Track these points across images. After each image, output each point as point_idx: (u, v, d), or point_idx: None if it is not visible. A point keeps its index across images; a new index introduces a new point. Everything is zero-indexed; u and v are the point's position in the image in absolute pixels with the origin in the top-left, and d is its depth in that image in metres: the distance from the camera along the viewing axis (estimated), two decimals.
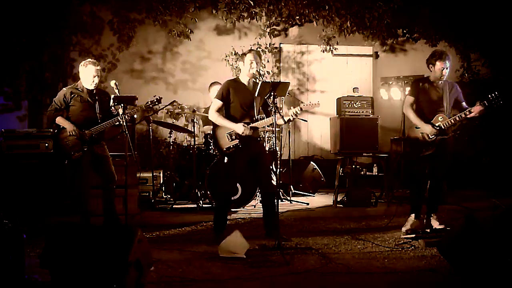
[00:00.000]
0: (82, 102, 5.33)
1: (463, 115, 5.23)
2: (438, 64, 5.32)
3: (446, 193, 6.92)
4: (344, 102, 7.34)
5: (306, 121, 9.00)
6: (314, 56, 9.83)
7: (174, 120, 8.40)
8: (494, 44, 9.14)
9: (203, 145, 7.24)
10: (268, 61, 9.37)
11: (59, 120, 5.27)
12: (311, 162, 8.34)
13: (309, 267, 4.22)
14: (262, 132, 7.20)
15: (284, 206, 7.15)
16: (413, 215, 5.51)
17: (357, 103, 7.32)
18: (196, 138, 7.02)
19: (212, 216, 5.21)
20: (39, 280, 3.73)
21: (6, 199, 5.89)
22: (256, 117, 5.11)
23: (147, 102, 5.61)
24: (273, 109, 4.79)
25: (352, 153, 7.29)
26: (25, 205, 6.01)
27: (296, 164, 8.29)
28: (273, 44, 9.39)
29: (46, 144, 6.27)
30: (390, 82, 8.19)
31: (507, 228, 3.63)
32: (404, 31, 9.49)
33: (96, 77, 5.32)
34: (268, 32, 9.07)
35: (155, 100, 5.56)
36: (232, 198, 6.21)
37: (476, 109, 5.18)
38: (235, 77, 5.45)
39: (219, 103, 5.07)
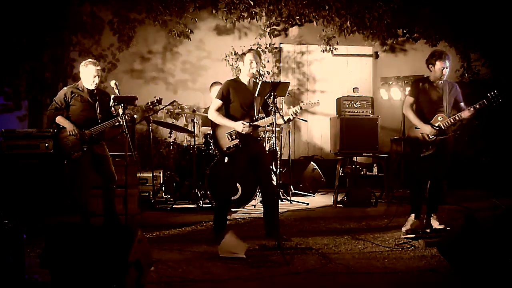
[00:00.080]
0: (83, 102, 5.33)
1: (457, 118, 5.25)
2: (438, 64, 5.32)
3: (446, 193, 6.92)
4: (344, 102, 7.34)
5: (306, 121, 9.00)
6: (314, 56, 9.83)
7: (174, 120, 8.40)
8: (494, 44, 9.14)
9: (203, 145, 7.24)
10: (268, 61, 9.37)
11: (59, 120, 5.27)
12: (311, 162, 8.34)
13: (309, 267, 4.21)
14: (262, 132, 7.20)
15: (284, 206, 7.15)
16: (413, 215, 5.51)
17: (357, 103, 7.33)
18: (196, 138, 7.02)
19: (212, 216, 5.21)
20: (39, 280, 3.72)
21: (6, 199, 5.89)
22: (256, 117, 5.10)
23: (148, 103, 5.61)
24: (273, 109, 4.79)
25: (352, 153, 7.29)
26: (25, 205, 6.01)
27: (296, 164, 8.29)
28: (273, 44, 9.40)
29: (46, 144, 6.27)
30: (390, 82, 8.19)
31: (507, 228, 3.63)
32: (404, 31, 9.50)
33: (97, 77, 5.32)
34: (268, 32, 9.07)
35: (155, 101, 5.56)
36: (232, 198, 6.21)
37: (465, 114, 5.21)
38: (236, 77, 5.45)
39: (219, 102, 5.06)
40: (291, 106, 5.03)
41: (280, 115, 4.90)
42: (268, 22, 8.99)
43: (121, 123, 5.04)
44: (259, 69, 5.07)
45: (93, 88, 5.36)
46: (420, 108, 5.47)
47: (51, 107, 5.36)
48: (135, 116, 5.80)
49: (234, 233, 4.70)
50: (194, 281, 3.87)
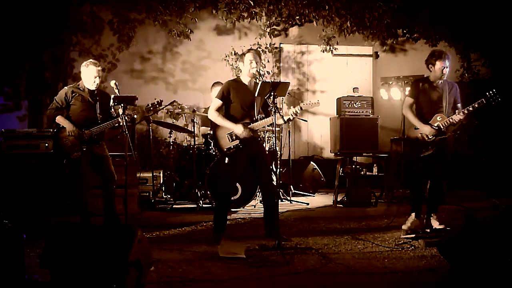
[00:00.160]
0: (83, 102, 5.33)
1: (450, 121, 5.25)
2: (438, 64, 5.32)
3: (446, 193, 6.92)
4: (344, 102, 7.34)
5: (306, 121, 9.00)
6: (314, 56, 9.83)
7: (174, 120, 8.40)
8: (494, 44, 9.14)
9: (203, 145, 7.24)
10: (268, 61, 9.37)
11: (59, 119, 5.27)
12: (311, 162, 8.34)
13: (309, 267, 4.22)
14: (262, 132, 7.20)
15: (284, 206, 7.15)
16: (413, 215, 5.51)
17: (357, 103, 7.33)
18: (196, 138, 7.03)
19: (212, 216, 5.21)
20: (39, 280, 3.73)
21: (6, 199, 5.89)
22: (256, 117, 5.10)
23: (148, 105, 5.60)
24: (273, 109, 4.79)
25: (352, 153, 7.29)
26: (25, 205, 6.01)
27: (296, 164, 8.29)
28: (273, 44, 9.40)
29: (46, 144, 6.27)
30: (390, 82, 8.19)
31: (507, 228, 3.63)
32: (404, 31, 9.49)
33: (97, 77, 5.33)
34: (268, 32, 9.07)
35: (156, 103, 5.56)
36: (232, 198, 6.21)
37: (456, 118, 5.22)
38: (236, 77, 5.44)
39: (219, 102, 5.06)
40: (292, 107, 5.03)
41: (280, 115, 4.90)
42: (268, 22, 8.99)
43: (121, 123, 5.05)
44: (259, 69, 5.06)
45: (94, 88, 5.36)
46: (420, 108, 5.48)
47: (51, 106, 5.36)
48: (135, 116, 5.80)
49: (233, 234, 4.70)
50: (194, 281, 3.87)
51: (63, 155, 5.35)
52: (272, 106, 4.80)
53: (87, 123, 5.30)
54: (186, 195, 7.39)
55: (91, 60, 5.48)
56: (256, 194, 6.91)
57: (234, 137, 5.00)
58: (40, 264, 3.48)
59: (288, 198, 7.58)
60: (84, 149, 5.24)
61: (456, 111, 5.33)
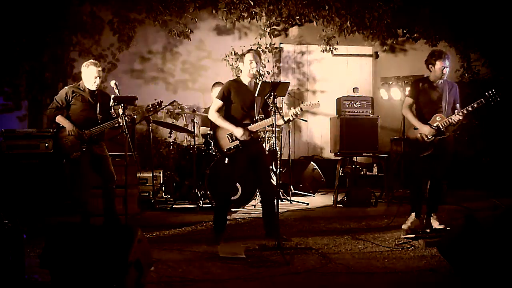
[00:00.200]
0: (83, 102, 5.33)
1: (449, 121, 5.25)
2: (438, 64, 5.32)
3: (446, 193, 6.92)
4: (344, 102, 7.34)
5: (306, 121, 9.00)
6: (314, 56, 9.83)
7: (174, 120, 8.40)
8: (494, 44, 9.14)
9: (203, 145, 7.24)
10: (268, 61, 9.38)
11: (59, 119, 5.28)
12: (311, 162, 8.34)
13: (309, 267, 4.21)
14: (262, 132, 7.20)
15: (284, 206, 7.16)
16: (413, 215, 5.51)
17: (357, 103, 7.33)
18: (196, 138, 7.03)
19: (212, 216, 5.21)
20: (39, 280, 3.72)
21: (6, 199, 5.89)
22: (256, 117, 5.10)
23: (148, 105, 5.60)
24: (273, 109, 4.79)
25: (352, 153, 7.29)
26: (25, 205, 6.01)
27: (296, 164, 8.29)
28: (273, 44, 9.40)
29: (46, 144, 6.27)
30: (390, 82, 8.19)
31: (507, 228, 3.63)
32: (404, 31, 9.50)
33: (98, 77, 5.33)
34: (268, 32, 9.07)
35: (156, 104, 5.56)
36: (232, 198, 6.21)
37: (455, 118, 5.22)
38: (236, 77, 5.44)
39: (219, 103, 5.06)
40: (292, 107, 5.03)
41: (281, 115, 4.90)
42: (268, 22, 8.99)
43: (121, 124, 5.04)
44: (259, 69, 5.06)
45: (95, 88, 5.36)
46: (419, 108, 5.48)
47: (51, 106, 5.36)
48: (135, 117, 5.80)
49: (233, 234, 4.70)
50: (194, 281, 3.87)
51: (63, 155, 5.34)
52: (272, 106, 4.80)
53: (87, 123, 5.30)
54: (186, 195, 7.39)
55: (91, 60, 5.48)
56: (256, 194, 6.91)
57: (234, 138, 5.00)
58: (40, 264, 3.47)
59: (288, 198, 7.58)
60: (84, 149, 5.24)
61: (456, 111, 5.33)
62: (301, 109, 4.98)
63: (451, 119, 5.24)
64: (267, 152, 6.90)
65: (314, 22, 8.94)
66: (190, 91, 9.38)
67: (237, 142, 4.98)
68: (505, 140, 8.80)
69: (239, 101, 5.03)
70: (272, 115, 4.80)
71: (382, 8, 8.60)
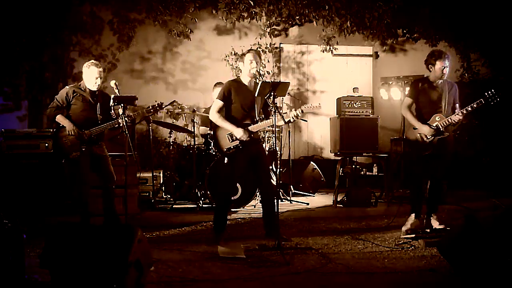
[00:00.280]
0: (84, 102, 5.33)
1: (449, 121, 5.25)
2: (438, 64, 5.31)
3: (446, 193, 6.92)
4: (344, 102, 7.34)
5: (306, 121, 9.01)
6: (314, 56, 9.83)
7: (174, 120, 8.41)
8: (494, 44, 9.14)
9: (203, 145, 7.24)
10: (268, 61, 9.38)
11: (59, 119, 5.28)
12: (311, 162, 8.34)
13: (309, 267, 4.21)
14: (262, 132, 7.20)
15: (284, 206, 7.16)
16: (413, 215, 5.51)
17: (357, 103, 7.33)
18: (196, 138, 7.03)
19: (212, 216, 5.21)
20: (39, 280, 3.72)
21: (6, 199, 5.89)
22: (257, 118, 5.10)
23: (149, 107, 5.61)
24: (273, 109, 4.79)
25: (352, 153, 7.29)
26: (25, 205, 6.01)
27: (296, 164, 8.29)
28: (273, 44, 9.40)
29: (46, 144, 6.27)
30: (390, 82, 8.19)
31: (507, 228, 3.63)
32: (404, 31, 9.50)
33: (99, 78, 5.33)
34: (268, 32, 9.07)
35: (156, 105, 5.56)
36: (232, 198, 6.21)
37: (455, 118, 5.22)
38: (236, 77, 5.44)
39: (220, 103, 5.06)
40: (293, 109, 5.04)
41: (281, 115, 4.91)
42: (268, 22, 8.99)
43: (121, 125, 5.05)
44: (259, 69, 5.06)
45: (96, 89, 5.37)
46: (419, 109, 5.47)
47: (52, 105, 5.36)
48: (135, 118, 5.81)
49: (233, 234, 4.70)
50: (194, 281, 3.87)
51: (62, 154, 5.34)
52: (272, 106, 4.80)
53: (87, 123, 5.30)
54: (186, 195, 7.39)
55: (92, 61, 5.49)
56: (256, 194, 6.92)
57: (234, 138, 5.00)
58: (40, 264, 3.47)
59: (288, 198, 7.58)
60: (83, 149, 5.24)
61: (456, 111, 5.33)
62: (302, 111, 4.99)
63: (451, 119, 5.24)
64: (267, 152, 6.91)
65: (314, 22, 8.95)
66: (190, 91, 9.38)
67: (237, 142, 4.98)
68: (505, 140, 8.80)
69: (240, 101, 5.03)
70: (272, 115, 4.80)
71: (382, 8, 8.60)
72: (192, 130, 6.96)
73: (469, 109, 5.18)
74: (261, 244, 4.92)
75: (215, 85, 7.40)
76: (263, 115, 5.23)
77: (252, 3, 8.56)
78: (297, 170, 8.15)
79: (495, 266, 3.52)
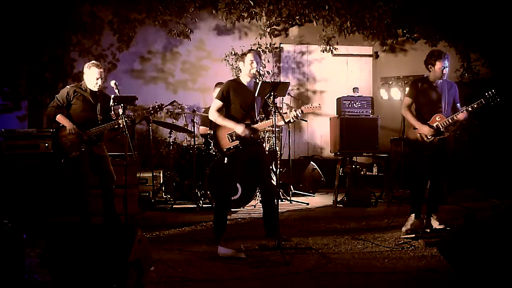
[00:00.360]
0: (84, 102, 5.34)
1: (453, 119, 5.25)
2: (438, 64, 5.32)
3: (446, 193, 6.92)
4: (344, 102, 7.34)
5: (306, 121, 9.01)
6: (314, 56, 9.83)
7: (174, 120, 8.40)
8: (494, 44, 9.14)
9: (203, 145, 7.24)
10: (268, 61, 9.38)
11: (59, 118, 5.28)
12: (311, 162, 8.34)
13: (309, 267, 4.22)
14: (262, 132, 7.20)
15: (284, 206, 7.15)
16: (413, 215, 5.51)
17: (357, 103, 7.33)
18: (196, 138, 7.03)
19: (212, 216, 5.21)
20: (39, 280, 3.73)
21: (6, 199, 5.89)
22: (257, 118, 5.10)
23: (149, 108, 5.61)
24: (273, 109, 4.79)
25: (352, 153, 7.29)
26: (25, 205, 6.01)
27: (296, 164, 8.28)
28: (273, 44, 9.40)
29: (46, 144, 6.27)
30: (390, 82, 8.19)
31: (507, 228, 3.63)
32: (404, 31, 9.50)
33: (100, 79, 5.34)
34: (268, 32, 9.07)
35: (156, 106, 5.57)
36: (232, 198, 6.20)
37: (460, 116, 5.23)
38: (236, 77, 5.44)
39: (219, 103, 5.06)
40: (293, 110, 5.04)
41: (281, 115, 4.90)
42: (268, 22, 8.99)
43: (120, 125, 5.05)
44: (259, 69, 5.06)
45: (96, 89, 5.37)
46: (419, 109, 5.48)
47: (52, 104, 5.37)
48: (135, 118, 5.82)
49: (233, 234, 4.70)
50: (194, 281, 3.87)
51: (62, 154, 5.35)
52: (272, 106, 4.80)
53: (87, 123, 5.31)
54: (186, 195, 7.39)
55: (93, 62, 5.49)
56: (256, 194, 6.92)
57: (234, 138, 5.00)
58: (40, 264, 3.47)
59: (288, 198, 7.57)
60: (83, 149, 5.24)
61: (461, 108, 5.32)
62: (302, 111, 4.99)
63: (455, 117, 5.24)
64: (267, 152, 6.91)
65: (314, 22, 8.94)
66: (190, 91, 9.38)
67: (237, 142, 4.98)
68: (505, 140, 8.80)
69: (239, 101, 5.03)
70: (272, 115, 4.80)
71: (382, 8, 8.59)
72: (192, 130, 6.96)
73: (469, 109, 5.19)
74: (261, 244, 4.92)
75: (216, 85, 7.39)
76: (263, 115, 5.23)
77: (252, 3, 8.55)
78: (297, 170, 8.15)
79: (495, 266, 3.52)
